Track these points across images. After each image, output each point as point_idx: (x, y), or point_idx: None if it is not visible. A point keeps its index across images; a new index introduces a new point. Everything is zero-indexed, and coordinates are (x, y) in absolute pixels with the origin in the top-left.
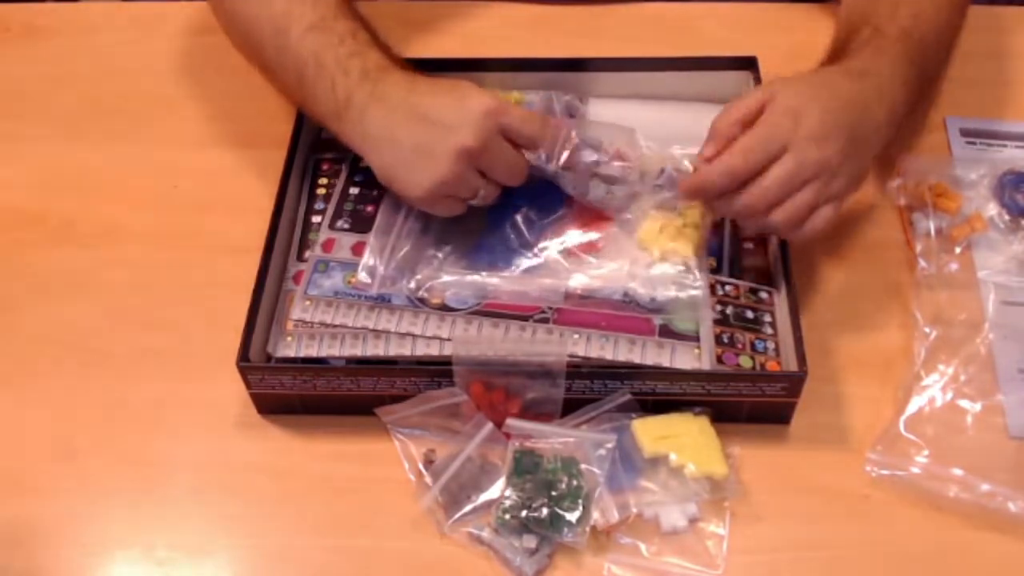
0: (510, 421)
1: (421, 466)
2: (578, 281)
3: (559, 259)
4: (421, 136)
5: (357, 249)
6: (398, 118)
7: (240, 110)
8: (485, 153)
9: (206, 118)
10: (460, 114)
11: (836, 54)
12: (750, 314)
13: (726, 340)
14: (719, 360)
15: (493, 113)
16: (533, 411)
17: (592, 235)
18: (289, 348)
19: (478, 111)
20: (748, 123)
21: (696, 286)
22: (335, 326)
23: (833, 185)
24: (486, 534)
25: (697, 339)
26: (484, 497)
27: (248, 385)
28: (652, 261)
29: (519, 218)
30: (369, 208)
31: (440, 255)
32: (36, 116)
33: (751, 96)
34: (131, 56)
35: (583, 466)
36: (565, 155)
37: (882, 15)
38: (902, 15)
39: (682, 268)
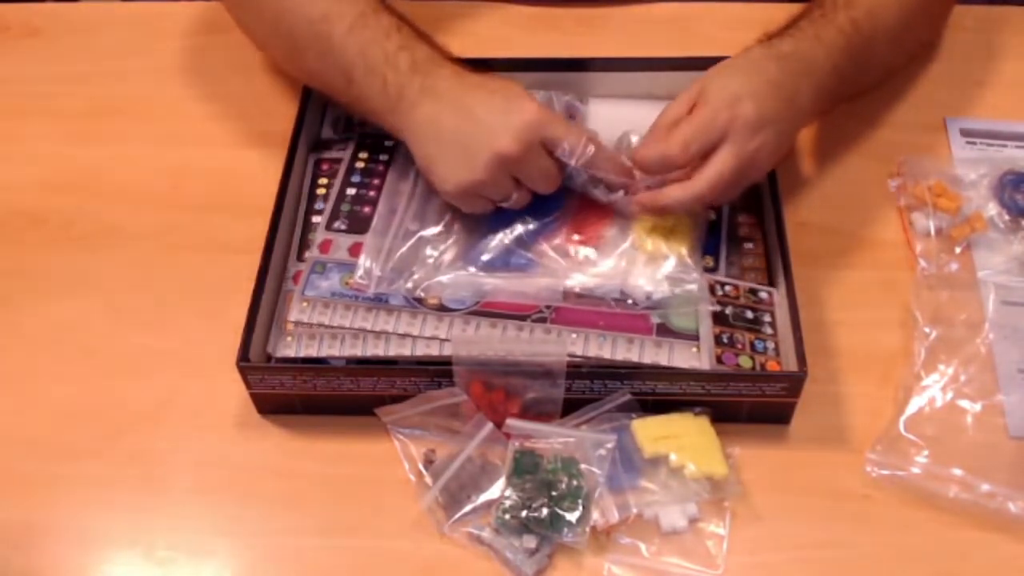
0: (510, 421)
1: (421, 466)
2: (576, 280)
3: (556, 258)
4: (463, 133)
5: (354, 250)
6: (446, 111)
7: (240, 110)
8: (523, 161)
9: (206, 118)
10: (505, 118)
11: (778, 31)
12: (750, 314)
13: (726, 340)
14: (719, 360)
15: (537, 124)
16: (533, 411)
17: (589, 234)
18: (289, 348)
19: (523, 119)
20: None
21: (692, 280)
22: (333, 327)
23: (757, 173)
24: (486, 534)
25: (695, 337)
26: (484, 497)
27: (248, 385)
28: (648, 258)
29: (516, 218)
30: (366, 209)
31: (437, 255)
32: (36, 116)
33: (685, 93)
34: (131, 56)
35: (583, 466)
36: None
37: (839, 1)
38: (859, 5)
39: (677, 264)
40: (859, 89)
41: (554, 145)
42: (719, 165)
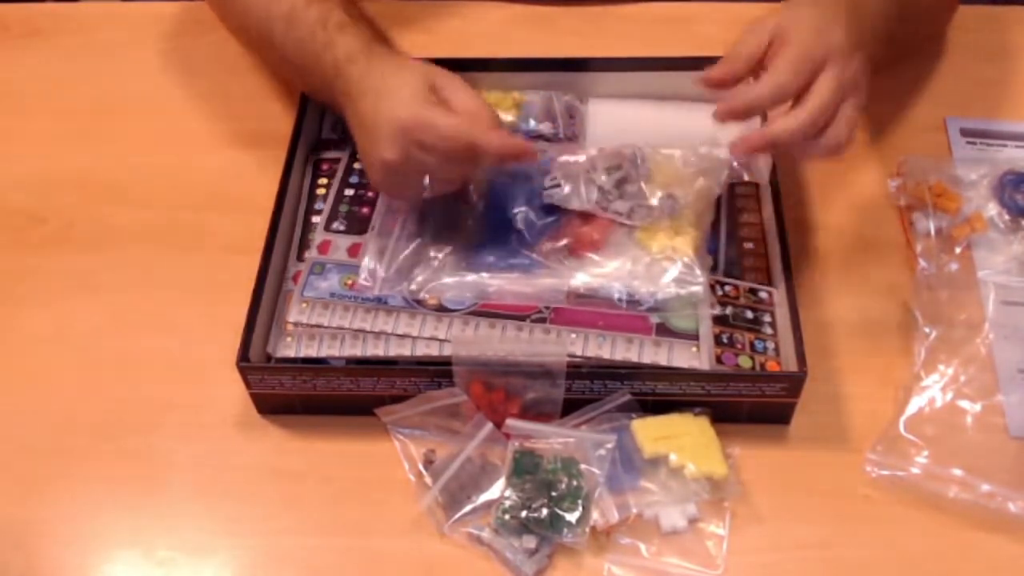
0: (510, 421)
1: (421, 466)
2: (579, 280)
3: (560, 259)
4: (359, 139)
5: (353, 251)
6: (353, 118)
7: (240, 110)
8: (410, 163)
9: (206, 118)
10: (377, 126)
11: None
12: (750, 314)
13: (726, 340)
14: (719, 360)
15: (406, 130)
16: (533, 411)
17: (592, 234)
18: (289, 348)
19: (393, 126)
20: (761, 55)
21: (697, 282)
22: (333, 328)
23: (858, 96)
24: (486, 534)
25: (695, 337)
26: (484, 497)
27: (248, 385)
28: (652, 259)
29: (519, 218)
30: (364, 209)
31: (440, 256)
32: (36, 116)
33: (754, 34)
34: (131, 56)
35: (583, 466)
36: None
37: None
38: None
39: (682, 265)
40: (900, 45)
41: (434, 149)
42: (824, 92)
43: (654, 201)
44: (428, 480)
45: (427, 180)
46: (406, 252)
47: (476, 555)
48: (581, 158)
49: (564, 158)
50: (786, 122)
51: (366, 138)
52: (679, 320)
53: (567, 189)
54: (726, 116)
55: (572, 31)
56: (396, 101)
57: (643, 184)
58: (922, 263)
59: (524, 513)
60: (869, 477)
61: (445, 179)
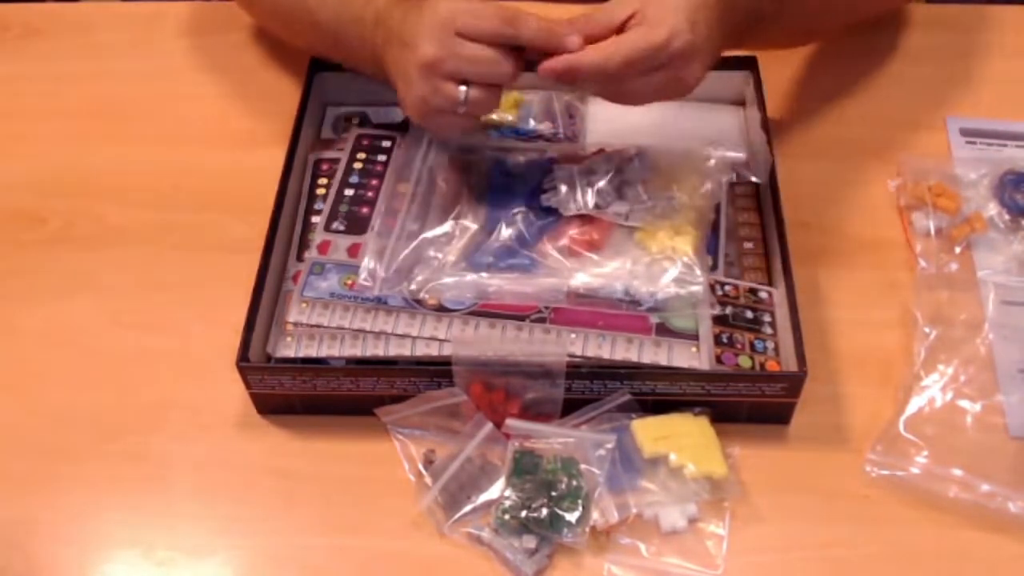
0: (510, 421)
1: (421, 466)
2: (580, 280)
3: (560, 258)
4: (400, 61)
5: (352, 251)
6: (394, 53)
7: (240, 110)
8: (450, 60)
9: (206, 118)
10: (419, 29)
11: None
12: (750, 314)
13: (725, 340)
14: (718, 360)
15: (446, 22)
16: (533, 411)
17: (592, 234)
18: (289, 348)
19: (433, 20)
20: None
21: (697, 282)
22: (332, 328)
23: (684, 83)
24: (486, 534)
25: (695, 337)
26: (484, 497)
27: (248, 385)
28: (652, 259)
29: (519, 218)
30: (364, 209)
31: (441, 256)
32: (36, 116)
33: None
34: (131, 56)
35: (583, 466)
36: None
37: None
38: None
39: (682, 265)
40: (792, 29)
41: (475, 32)
42: (641, 47)
43: (652, 202)
44: (428, 480)
45: (463, 93)
46: (406, 252)
47: (476, 555)
48: (579, 163)
49: (563, 162)
50: (591, 55)
51: (402, 51)
52: (679, 320)
53: (563, 192)
54: (547, 74)
55: None
56: (435, 4)
57: (641, 186)
58: (922, 263)
59: (524, 513)
60: (869, 477)
61: (485, 80)
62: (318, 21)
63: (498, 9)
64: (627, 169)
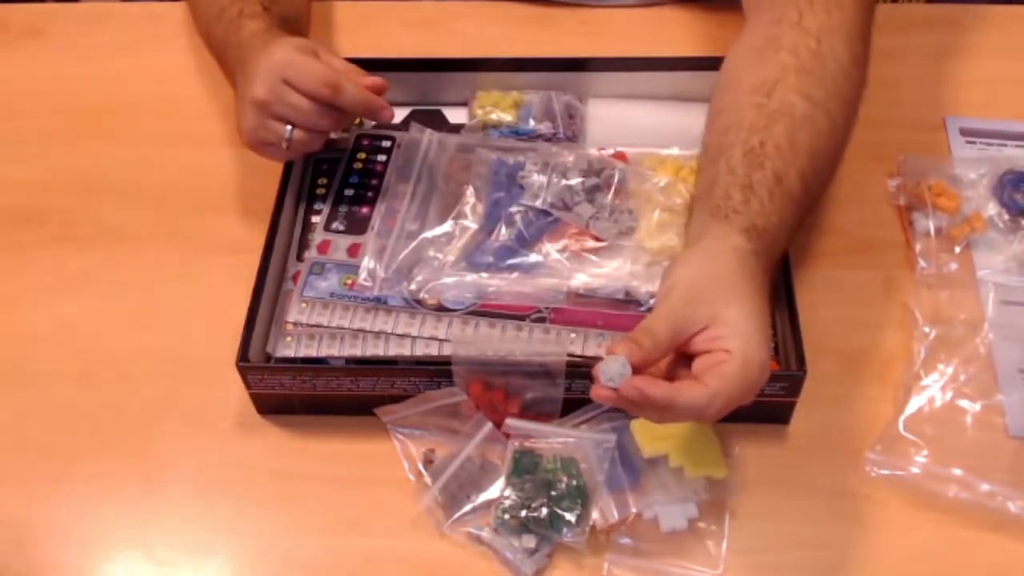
0: (510, 421)
1: (421, 466)
2: (580, 280)
3: (560, 259)
4: (241, 90)
5: (352, 251)
6: (239, 80)
7: None
8: (276, 104)
9: (206, 118)
10: (257, 69)
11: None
12: None
13: None
14: None
15: (277, 69)
16: (533, 411)
17: (592, 234)
18: (289, 348)
19: (266, 66)
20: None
21: None
22: (332, 328)
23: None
24: (486, 534)
25: None
26: (484, 497)
27: (248, 385)
28: (652, 259)
29: (519, 218)
30: (364, 209)
31: (440, 256)
32: (36, 116)
33: (695, 315)
34: (130, 56)
35: (583, 466)
36: None
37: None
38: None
39: None
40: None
41: (298, 86)
42: (703, 409)
43: (616, 215)
44: (428, 480)
45: (288, 132)
46: (406, 252)
47: (476, 555)
48: (569, 157)
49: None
50: (652, 390)
51: (244, 84)
52: None
53: (535, 176)
54: (603, 399)
55: (572, 31)
56: (276, 47)
57: (611, 196)
58: (922, 263)
59: (524, 513)
60: (869, 477)
61: (306, 127)
62: (211, 43)
63: (324, 72)
64: (604, 177)
